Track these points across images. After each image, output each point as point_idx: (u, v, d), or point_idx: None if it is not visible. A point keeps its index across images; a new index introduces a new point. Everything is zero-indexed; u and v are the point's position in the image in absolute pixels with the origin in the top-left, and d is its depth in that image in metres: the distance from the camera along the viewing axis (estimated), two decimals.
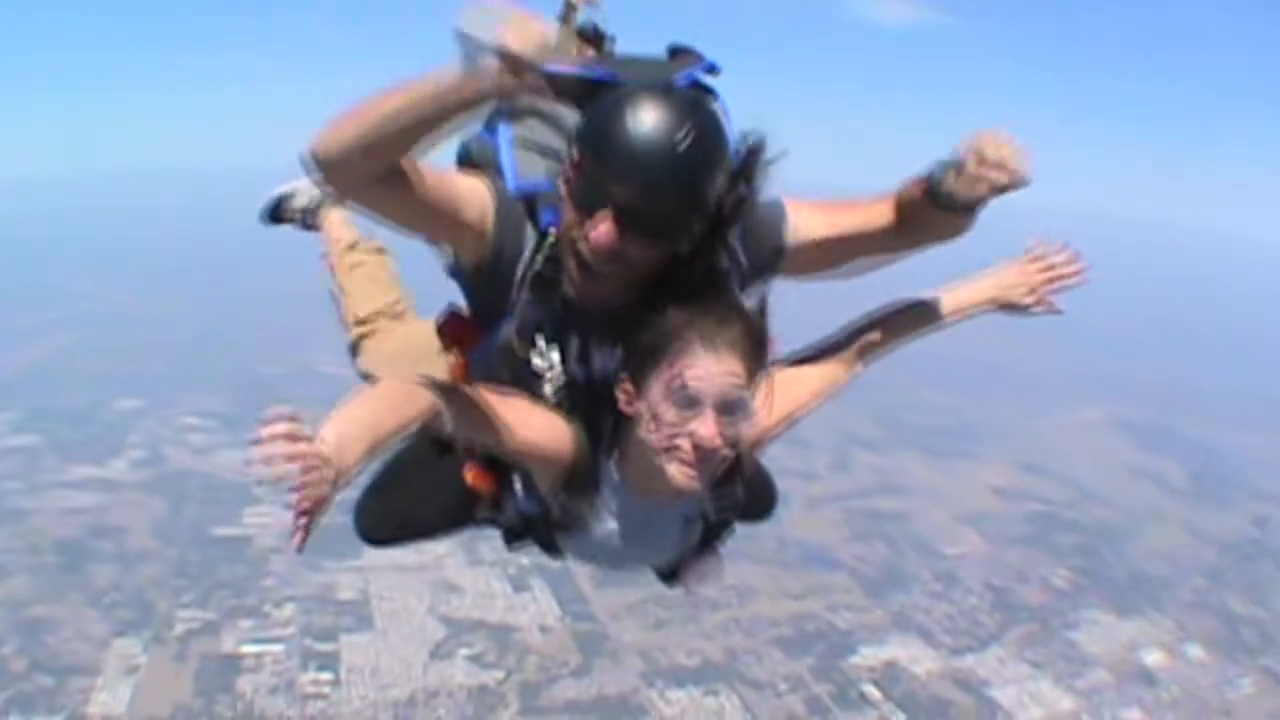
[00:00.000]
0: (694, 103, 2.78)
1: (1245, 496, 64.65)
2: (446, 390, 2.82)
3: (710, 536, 3.44)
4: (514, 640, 43.84)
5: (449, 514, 3.80)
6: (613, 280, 2.83)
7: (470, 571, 48.91)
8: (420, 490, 3.83)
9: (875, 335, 3.46)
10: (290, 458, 2.06)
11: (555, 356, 3.09)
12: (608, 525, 3.19)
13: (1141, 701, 43.30)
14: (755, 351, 2.80)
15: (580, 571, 48.42)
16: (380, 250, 4.60)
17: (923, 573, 52.60)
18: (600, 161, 2.68)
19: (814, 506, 56.90)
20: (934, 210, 2.90)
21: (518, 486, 3.33)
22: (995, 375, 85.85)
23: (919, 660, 44.83)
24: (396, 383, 2.72)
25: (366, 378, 4.06)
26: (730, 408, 2.73)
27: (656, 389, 2.76)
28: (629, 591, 47.35)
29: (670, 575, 3.74)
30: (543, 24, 2.28)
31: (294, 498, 2.09)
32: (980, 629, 48.04)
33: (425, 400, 2.68)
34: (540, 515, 3.27)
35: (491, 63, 2.24)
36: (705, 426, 2.71)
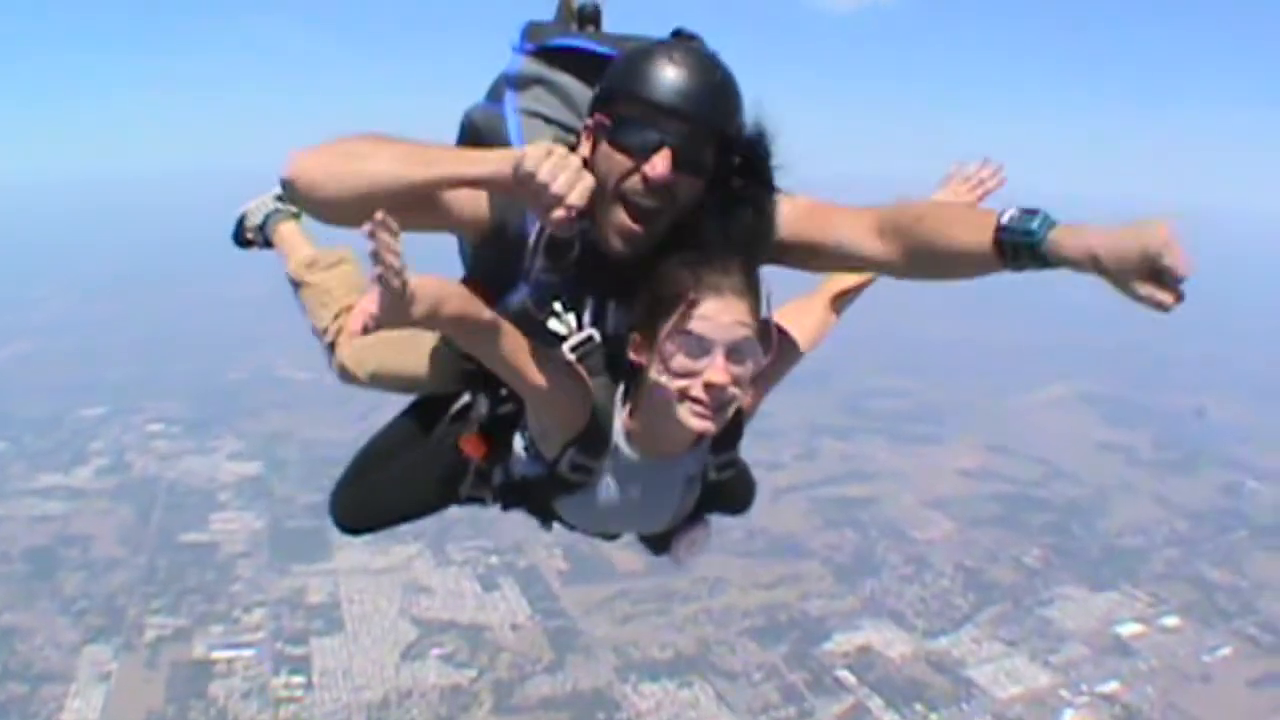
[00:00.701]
0: (713, 52, 2.93)
1: (1216, 465, 64.96)
2: (501, 322, 2.91)
3: (705, 503, 3.49)
4: (485, 639, 43.77)
5: (431, 493, 3.81)
6: (664, 220, 2.89)
7: (439, 572, 48.95)
8: (399, 472, 3.89)
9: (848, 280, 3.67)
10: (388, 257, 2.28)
11: (572, 320, 3.12)
12: (612, 485, 3.25)
13: (1119, 673, 43.52)
14: (757, 296, 2.89)
15: (549, 568, 49.49)
16: (343, 261, 4.56)
17: (893, 557, 52.74)
18: (647, 100, 2.78)
19: (781, 496, 56.91)
20: (992, 258, 2.54)
21: (519, 449, 3.39)
22: (957, 356, 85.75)
23: (893, 644, 44.93)
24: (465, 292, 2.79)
25: (348, 377, 4.03)
26: (738, 350, 2.82)
27: (667, 338, 2.84)
28: (599, 587, 47.90)
29: (660, 546, 3.81)
30: (587, 177, 2.62)
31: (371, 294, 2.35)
32: (953, 610, 48.20)
33: (488, 313, 2.82)
34: (544, 476, 3.31)
35: (551, 207, 2.57)
36: (716, 369, 2.79)
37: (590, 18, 3.67)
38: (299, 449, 61.47)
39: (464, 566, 49.30)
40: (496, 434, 3.46)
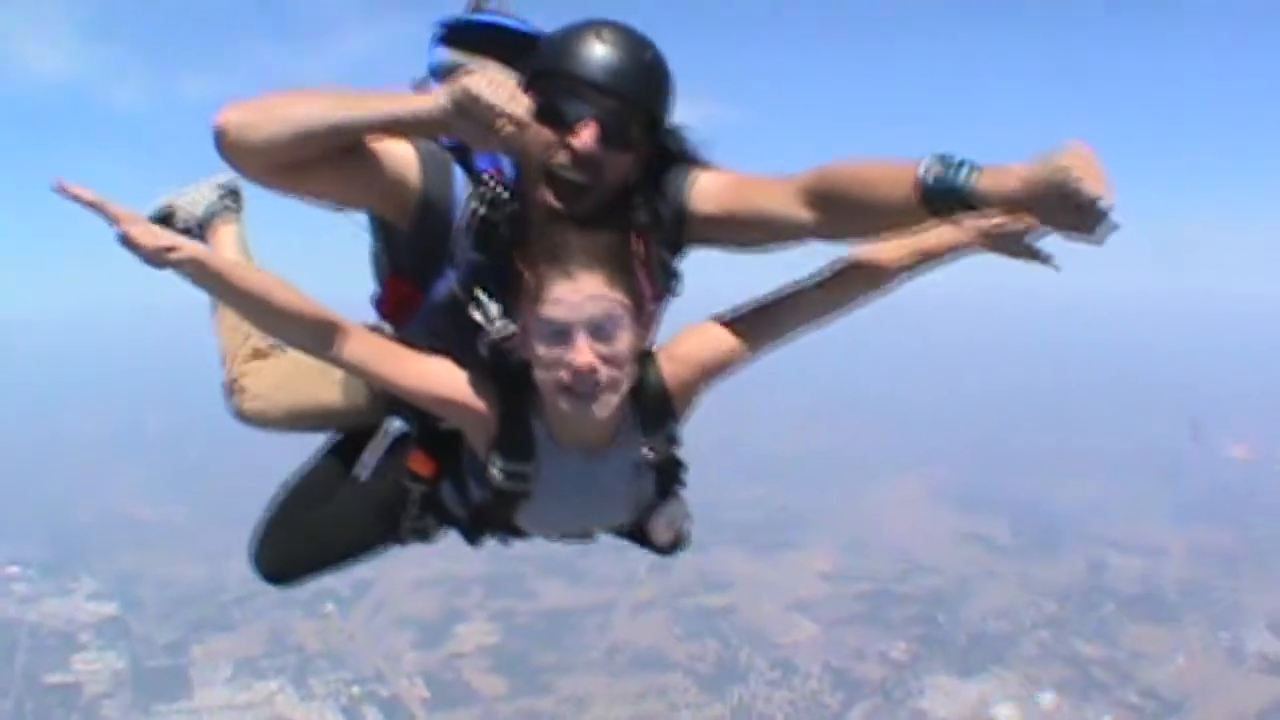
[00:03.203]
0: (641, 32, 2.95)
1: (1077, 544, 64.90)
2: (356, 326, 2.95)
3: (665, 483, 3.33)
4: None
5: (370, 531, 3.66)
6: (590, 198, 2.86)
7: (303, 706, 48.26)
8: (332, 511, 3.69)
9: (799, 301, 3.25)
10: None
11: (494, 309, 3.02)
12: (556, 486, 3.14)
13: None
14: (622, 264, 2.81)
15: (412, 696, 49.24)
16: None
17: (758, 663, 51.69)
18: (575, 76, 2.80)
19: (640, 610, 56.19)
20: (917, 209, 2.54)
21: (448, 494, 3.40)
22: (805, 465, 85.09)
23: None
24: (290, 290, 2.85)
25: (257, 419, 3.90)
26: (600, 327, 2.73)
27: (527, 330, 2.80)
28: (462, 712, 47.79)
29: (643, 538, 3.61)
30: (523, 96, 2.70)
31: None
32: (823, 710, 47.91)
33: (307, 305, 2.84)
34: (491, 496, 3.20)
35: (496, 121, 2.62)
36: (578, 353, 2.71)
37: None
38: (154, 588, 59.96)
39: (327, 700, 48.40)
40: (441, 451, 3.36)
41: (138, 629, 55.62)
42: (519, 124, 2.62)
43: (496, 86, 2.61)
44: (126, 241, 2.53)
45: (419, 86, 3.22)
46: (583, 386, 2.74)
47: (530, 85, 2.83)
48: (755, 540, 68.20)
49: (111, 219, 2.53)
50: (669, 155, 3.04)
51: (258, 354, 4.06)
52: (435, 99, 2.67)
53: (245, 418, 3.91)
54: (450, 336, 3.08)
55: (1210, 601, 56.09)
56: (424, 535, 3.56)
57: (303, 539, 3.76)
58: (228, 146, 2.62)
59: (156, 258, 2.56)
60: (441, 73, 3.19)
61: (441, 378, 2.99)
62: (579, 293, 2.69)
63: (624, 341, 2.76)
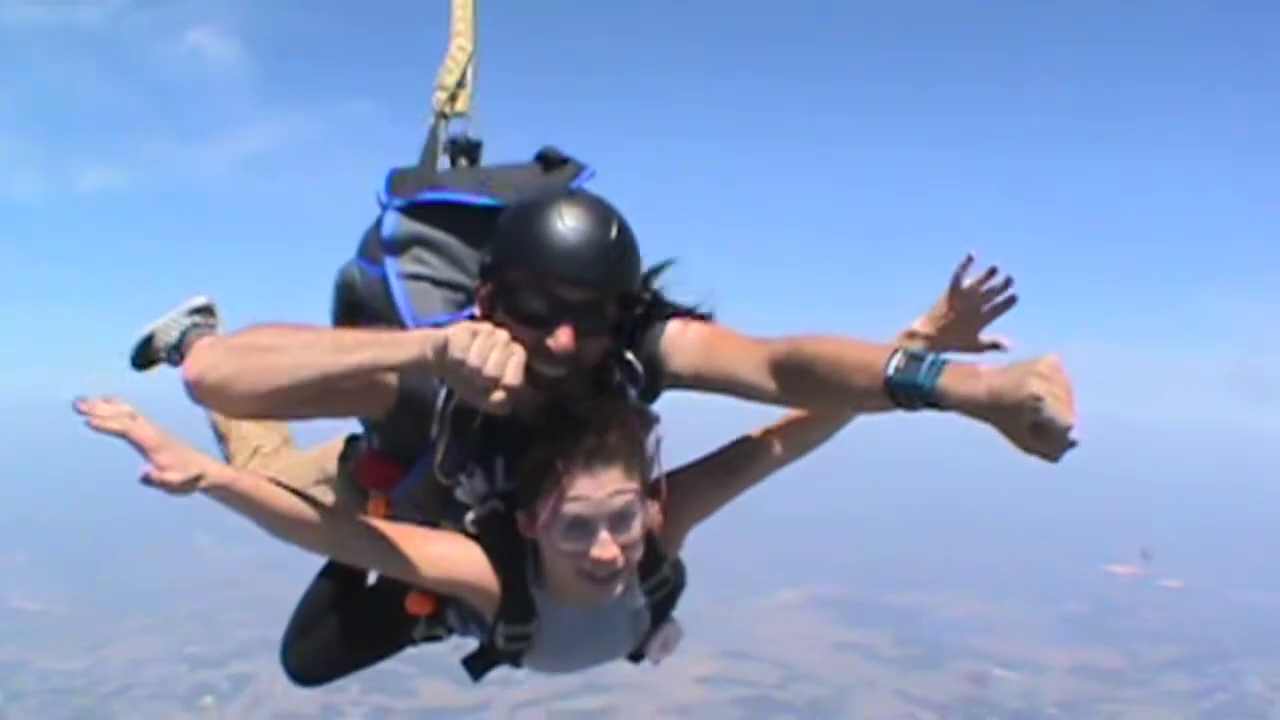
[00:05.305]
0: (601, 200, 2.95)
1: (959, 657, 63.89)
2: (365, 525, 2.99)
3: (660, 613, 3.43)
4: None
5: (382, 641, 3.79)
6: (569, 383, 2.87)
7: None
8: (347, 623, 3.79)
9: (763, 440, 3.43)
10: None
11: (479, 485, 3.08)
12: (557, 639, 3.22)
13: None
14: (637, 453, 2.92)
15: None
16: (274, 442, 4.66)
17: None
18: (543, 273, 2.75)
19: (517, 712, 54.95)
20: (880, 397, 2.57)
21: (453, 622, 3.38)
22: (686, 571, 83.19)
23: None
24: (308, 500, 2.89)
25: None
26: (620, 520, 2.82)
27: (546, 520, 2.84)
28: None
29: (635, 656, 3.64)
30: (517, 350, 2.55)
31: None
32: None
33: (324, 516, 2.88)
34: (487, 644, 3.28)
35: (485, 387, 2.49)
36: (602, 548, 2.80)
37: (464, 150, 3.80)
38: (35, 679, 57.21)
39: None
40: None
41: None
42: (510, 391, 2.51)
43: (485, 348, 2.46)
44: (154, 481, 2.48)
45: (369, 249, 3.25)
46: (603, 573, 2.83)
47: (493, 272, 2.85)
48: None
49: (141, 449, 2.49)
50: (640, 315, 3.03)
51: (259, 453, 4.47)
52: (421, 347, 2.51)
53: None
54: (431, 508, 3.12)
55: (1092, 718, 55.67)
56: (438, 639, 3.56)
57: (322, 648, 3.82)
58: (201, 399, 2.69)
59: (185, 490, 2.53)
60: (398, 245, 3.17)
61: (457, 562, 3.02)
62: (601, 490, 2.76)
63: (639, 527, 2.86)
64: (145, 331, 4.98)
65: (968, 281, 3.30)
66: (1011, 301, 3.32)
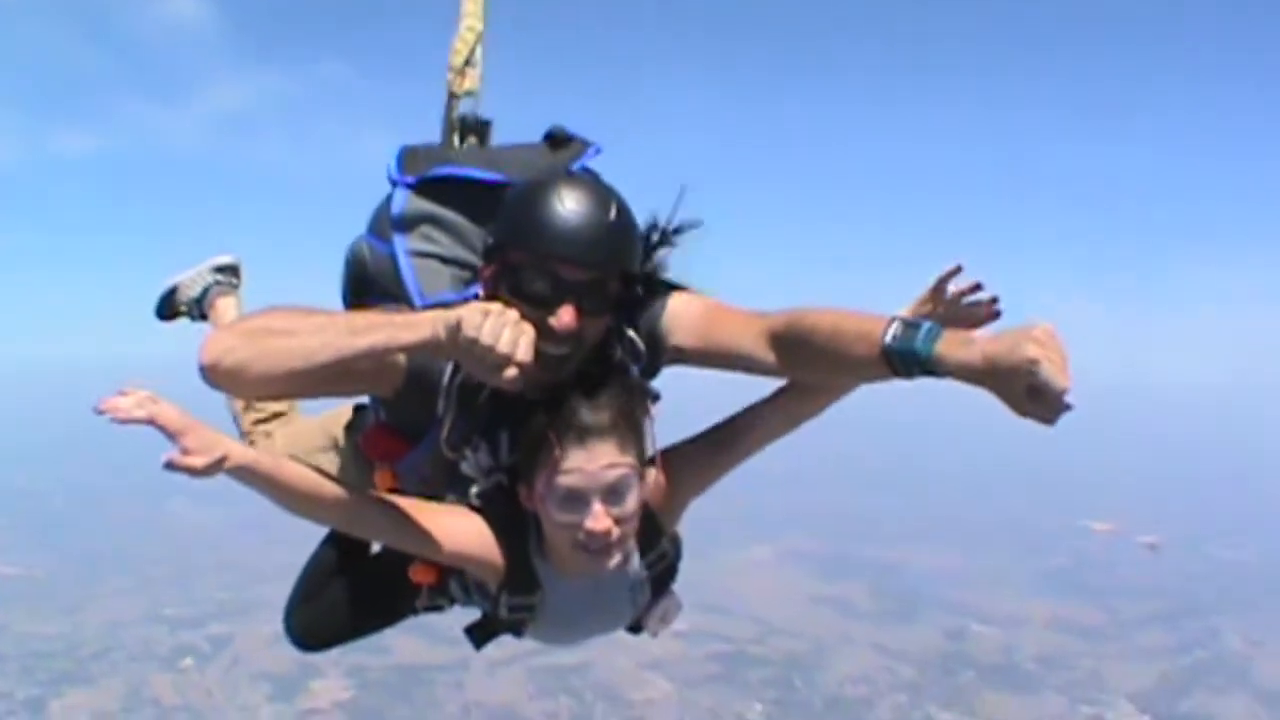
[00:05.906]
0: (599, 180, 3.05)
1: (937, 611, 63.97)
2: (377, 500, 3.04)
3: (660, 585, 3.50)
4: None
5: (385, 611, 3.94)
6: (571, 362, 2.91)
7: None
8: (351, 590, 3.92)
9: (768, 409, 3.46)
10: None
11: (484, 459, 3.11)
12: (559, 611, 3.28)
13: None
14: (633, 427, 2.95)
15: None
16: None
17: None
18: (544, 254, 2.79)
19: (494, 669, 53.27)
20: (878, 366, 2.64)
21: (456, 592, 3.40)
22: None
23: None
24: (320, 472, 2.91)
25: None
26: (614, 492, 2.86)
27: (541, 492, 2.91)
28: None
29: (633, 627, 3.72)
30: (528, 329, 2.61)
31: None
32: None
33: (339, 494, 2.89)
34: (490, 615, 3.37)
35: (497, 364, 2.54)
36: (595, 520, 2.85)
37: (473, 129, 3.82)
38: (13, 643, 56.66)
39: None
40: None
41: None
42: (521, 368, 2.56)
43: (497, 327, 2.52)
44: (178, 466, 2.45)
45: (379, 225, 3.31)
46: (597, 545, 2.89)
47: (496, 253, 2.88)
48: None
49: (167, 433, 2.45)
50: (641, 293, 3.07)
51: (262, 422, 4.64)
52: (434, 327, 2.57)
53: None
54: (436, 481, 3.19)
55: (1070, 673, 55.59)
56: (439, 609, 3.64)
57: (325, 615, 3.99)
58: (215, 383, 2.68)
59: (209, 474, 2.51)
60: (407, 222, 3.24)
61: (464, 535, 3.07)
62: (594, 463, 2.81)
63: (634, 500, 2.90)
64: (170, 284, 5.16)
65: (951, 289, 3.35)
66: (995, 317, 3.33)
